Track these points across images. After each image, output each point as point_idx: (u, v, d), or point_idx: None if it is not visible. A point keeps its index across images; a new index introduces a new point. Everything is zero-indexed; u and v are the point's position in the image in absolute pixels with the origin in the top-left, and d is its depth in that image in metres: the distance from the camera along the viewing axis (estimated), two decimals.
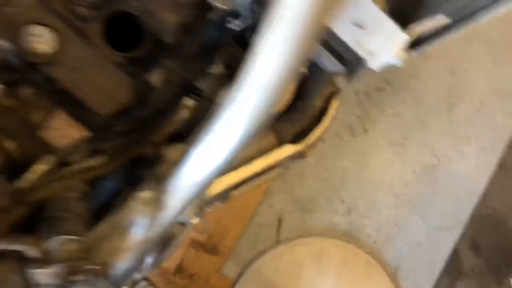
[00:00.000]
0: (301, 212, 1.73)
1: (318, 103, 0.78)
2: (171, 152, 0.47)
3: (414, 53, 0.46)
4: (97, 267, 0.27)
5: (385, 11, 0.35)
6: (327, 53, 0.42)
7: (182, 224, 0.66)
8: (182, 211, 0.35)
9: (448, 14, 0.44)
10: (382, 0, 0.37)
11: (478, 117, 1.91)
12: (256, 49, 0.27)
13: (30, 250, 0.31)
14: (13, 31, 0.43)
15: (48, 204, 0.44)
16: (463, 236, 1.81)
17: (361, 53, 0.34)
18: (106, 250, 0.33)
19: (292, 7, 0.24)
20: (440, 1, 0.45)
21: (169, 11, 0.48)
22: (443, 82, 1.91)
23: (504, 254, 1.83)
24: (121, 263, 0.32)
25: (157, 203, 0.35)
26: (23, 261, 0.31)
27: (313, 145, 0.78)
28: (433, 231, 1.81)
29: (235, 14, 0.40)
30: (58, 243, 0.31)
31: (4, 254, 0.31)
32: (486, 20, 0.42)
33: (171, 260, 1.50)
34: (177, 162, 0.47)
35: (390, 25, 0.34)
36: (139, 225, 0.35)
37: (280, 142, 0.74)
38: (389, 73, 1.85)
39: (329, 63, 0.46)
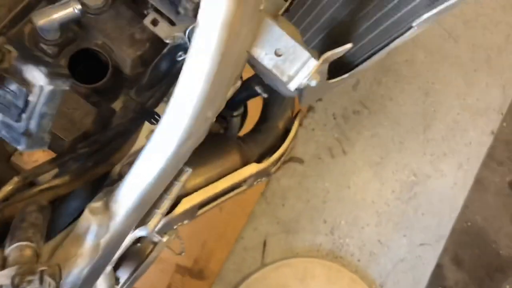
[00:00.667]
0: (285, 233, 1.77)
1: (280, 124, 0.84)
2: (120, 167, 0.52)
3: (346, 76, 0.53)
4: (49, 269, 0.31)
5: (299, 41, 0.42)
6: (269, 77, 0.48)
7: (153, 242, 0.71)
8: (131, 218, 0.40)
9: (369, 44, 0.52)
10: (297, 31, 0.43)
11: (453, 135, 1.99)
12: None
13: None
14: None
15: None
16: (445, 251, 1.85)
17: (283, 77, 0.41)
18: (60, 256, 0.37)
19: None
20: (361, 35, 0.52)
21: (128, 47, 0.54)
22: (418, 103, 1.99)
23: (486, 267, 1.86)
24: (76, 269, 0.37)
25: (106, 211, 0.40)
26: None
27: (276, 163, 0.83)
28: (416, 247, 1.85)
29: (185, 49, 0.47)
30: (14, 248, 0.36)
31: None
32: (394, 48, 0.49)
33: (158, 287, 1.51)
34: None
35: (303, 53, 0.40)
36: (91, 232, 0.40)
37: (245, 162, 0.80)
38: (366, 96, 1.94)
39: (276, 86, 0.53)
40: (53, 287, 0.31)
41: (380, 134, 1.90)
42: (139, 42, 0.54)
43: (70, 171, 0.50)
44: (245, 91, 0.73)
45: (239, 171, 0.78)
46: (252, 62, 0.42)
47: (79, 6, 0.48)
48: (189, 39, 0.45)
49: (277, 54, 0.40)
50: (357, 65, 0.54)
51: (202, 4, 0.31)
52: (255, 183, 0.83)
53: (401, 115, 1.98)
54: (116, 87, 0.57)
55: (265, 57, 0.40)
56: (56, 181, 0.50)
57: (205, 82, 0.33)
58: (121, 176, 0.42)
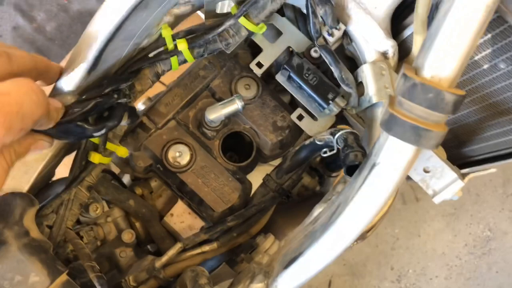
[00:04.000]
0: (351, 276, 1.78)
1: None
2: (264, 242, 0.60)
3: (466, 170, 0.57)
4: None
5: (446, 161, 0.47)
6: None
7: None
8: None
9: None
10: (443, 151, 0.49)
11: None
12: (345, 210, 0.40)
13: None
14: (161, 147, 0.59)
15: (172, 280, 0.58)
16: None
17: (429, 191, 0.46)
18: None
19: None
20: (487, 138, 0.56)
21: (270, 132, 0.62)
22: None
23: None
24: None
25: None
26: None
27: (372, 228, 0.88)
28: None
29: (330, 147, 0.54)
30: None
31: None
32: None
33: None
34: (268, 250, 0.60)
35: (450, 173, 0.46)
36: None
37: None
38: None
39: None
40: None
41: None
42: (280, 128, 0.62)
43: (217, 239, 0.59)
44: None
45: None
46: None
47: (242, 103, 0.56)
48: (337, 142, 0.52)
49: (425, 171, 0.46)
50: (476, 162, 0.58)
51: (386, 147, 0.38)
52: (351, 245, 0.88)
53: None
54: (254, 163, 0.65)
55: (413, 172, 0.46)
56: (207, 248, 0.58)
57: (375, 211, 0.39)
58: (270, 266, 0.49)
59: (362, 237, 0.91)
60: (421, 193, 1.86)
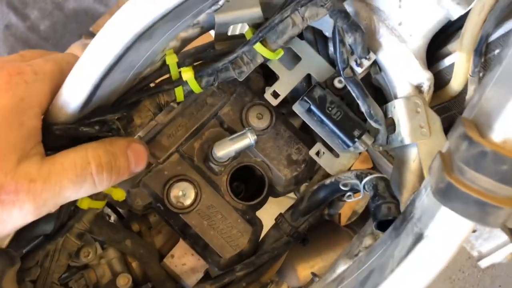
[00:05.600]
0: None
1: None
2: None
3: None
4: None
5: None
6: None
7: None
8: None
9: None
10: None
11: None
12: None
13: None
14: (163, 184, 0.53)
15: None
16: None
17: (473, 252, 0.40)
18: None
19: None
20: None
21: (285, 167, 0.56)
22: None
23: None
24: None
25: None
26: None
27: None
28: None
29: (355, 191, 0.47)
30: None
31: None
32: None
33: None
34: None
35: (501, 235, 0.39)
36: None
37: None
38: None
39: None
40: None
41: None
42: (295, 163, 0.56)
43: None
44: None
45: None
46: None
47: (255, 137, 0.50)
48: (365, 187, 0.46)
49: (472, 231, 0.40)
50: None
51: (439, 219, 0.32)
52: None
53: None
54: (266, 199, 0.59)
55: None
56: None
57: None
58: None
59: None
60: None
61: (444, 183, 0.29)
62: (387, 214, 0.41)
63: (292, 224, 0.55)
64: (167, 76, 0.47)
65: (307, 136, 0.58)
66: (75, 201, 0.46)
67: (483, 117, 0.29)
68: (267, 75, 0.59)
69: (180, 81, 0.46)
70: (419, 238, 0.33)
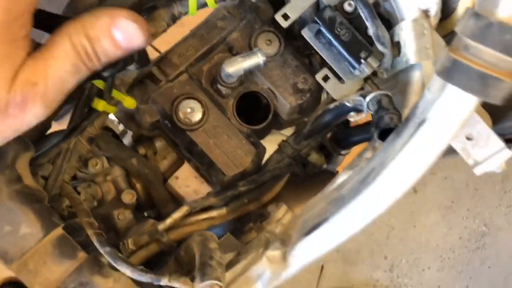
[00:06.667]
0: (344, 262, 1.76)
1: None
2: (277, 212, 0.55)
3: None
4: None
5: (492, 128, 0.43)
6: None
7: None
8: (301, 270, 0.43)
9: None
10: (489, 118, 0.44)
11: None
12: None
13: None
14: (171, 101, 0.54)
15: (175, 246, 0.53)
16: None
17: (469, 160, 0.42)
18: None
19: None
20: None
21: (290, 95, 0.57)
22: None
23: None
24: None
25: (283, 262, 0.43)
26: None
27: None
28: None
29: (358, 110, 0.49)
30: (207, 286, 0.40)
31: None
32: None
33: None
34: (281, 220, 0.55)
35: (497, 142, 0.41)
36: (264, 278, 0.43)
37: None
38: None
39: None
40: None
41: (454, 178, 1.85)
42: (301, 91, 0.57)
43: (227, 205, 0.54)
44: (363, 134, 0.73)
45: None
46: None
47: (264, 58, 0.51)
48: (368, 105, 0.48)
49: (468, 138, 0.41)
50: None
51: (441, 100, 0.33)
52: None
53: None
54: (270, 128, 0.60)
55: (454, 139, 0.41)
56: (215, 213, 0.54)
57: (423, 171, 0.35)
58: (287, 235, 0.45)
59: None
60: (420, 185, 1.83)
61: (449, 61, 0.31)
62: (389, 123, 0.43)
63: (295, 147, 0.56)
64: None
65: (313, 69, 0.59)
66: (89, 103, 0.47)
67: (486, 2, 0.31)
68: (276, 8, 0.60)
69: None
70: (421, 123, 0.34)
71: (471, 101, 0.32)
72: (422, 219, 1.84)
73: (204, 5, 0.49)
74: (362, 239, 1.78)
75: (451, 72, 0.31)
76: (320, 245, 0.40)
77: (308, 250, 0.41)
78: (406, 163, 0.35)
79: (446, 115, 0.33)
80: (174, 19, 0.49)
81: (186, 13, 0.49)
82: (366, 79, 0.55)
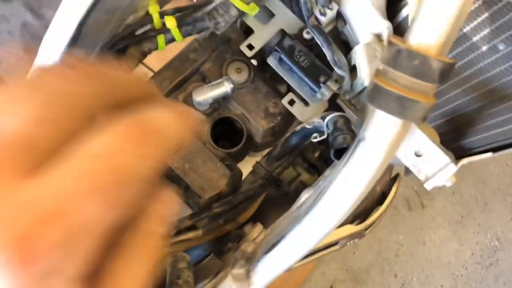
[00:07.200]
0: (353, 282, 1.74)
1: (378, 187, 0.85)
2: (252, 231, 0.58)
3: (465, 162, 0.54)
4: None
5: (439, 145, 0.45)
6: None
7: None
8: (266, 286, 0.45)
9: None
10: (436, 134, 0.46)
11: None
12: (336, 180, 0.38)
13: None
14: None
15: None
16: None
17: (420, 176, 0.44)
18: None
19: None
20: (487, 128, 0.54)
21: (262, 119, 0.60)
22: (508, 164, 1.89)
23: None
24: None
25: (247, 280, 0.45)
26: None
27: (371, 226, 0.85)
28: None
29: (321, 132, 0.52)
30: None
31: None
32: None
33: None
34: (255, 239, 0.58)
35: (443, 157, 0.43)
36: None
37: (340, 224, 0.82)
38: None
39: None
40: None
41: (462, 192, 1.83)
42: (272, 115, 0.60)
43: (203, 226, 0.57)
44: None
45: (336, 230, 0.80)
46: None
47: (231, 86, 0.55)
48: (327, 126, 0.50)
49: (417, 155, 0.43)
50: (474, 154, 0.55)
51: (372, 121, 0.36)
52: (348, 243, 0.85)
53: (488, 174, 1.88)
54: (245, 151, 0.63)
55: (404, 155, 0.43)
56: (191, 235, 0.56)
57: (360, 189, 0.37)
58: (254, 253, 0.47)
59: (360, 235, 0.88)
60: (427, 200, 1.81)
61: (372, 85, 0.34)
62: (342, 143, 0.45)
63: (267, 168, 0.59)
64: (149, 27, 0.52)
65: (282, 94, 0.63)
66: None
67: (408, 30, 0.34)
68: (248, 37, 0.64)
69: (163, 29, 0.51)
70: (357, 143, 0.37)
71: (396, 122, 0.34)
72: (432, 235, 1.82)
73: (172, 40, 0.53)
74: (371, 257, 1.76)
75: (374, 96, 0.34)
76: (279, 262, 0.42)
77: (268, 267, 0.43)
78: (345, 181, 0.37)
79: (376, 135, 0.35)
80: (145, 54, 0.53)
81: (155, 48, 0.53)
82: (343, 100, 0.58)
